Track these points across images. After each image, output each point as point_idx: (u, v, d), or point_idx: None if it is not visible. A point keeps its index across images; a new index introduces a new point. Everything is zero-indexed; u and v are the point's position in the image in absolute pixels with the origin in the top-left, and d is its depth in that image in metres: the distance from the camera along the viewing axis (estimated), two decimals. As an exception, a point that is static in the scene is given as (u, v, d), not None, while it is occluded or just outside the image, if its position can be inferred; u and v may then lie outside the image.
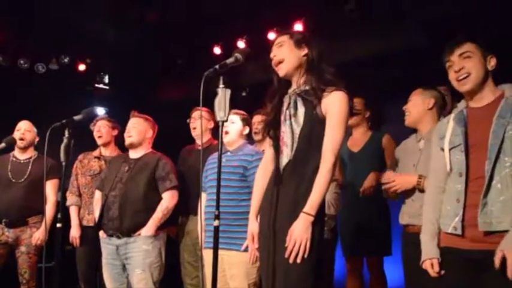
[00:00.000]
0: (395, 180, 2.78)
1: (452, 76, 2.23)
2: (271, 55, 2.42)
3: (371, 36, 4.90)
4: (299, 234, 2.18)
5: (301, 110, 2.33)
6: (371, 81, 4.88)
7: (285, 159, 2.34)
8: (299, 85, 2.39)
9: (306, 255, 2.18)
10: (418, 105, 2.87)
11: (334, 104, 2.27)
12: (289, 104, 2.37)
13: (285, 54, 2.38)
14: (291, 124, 2.34)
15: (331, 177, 2.25)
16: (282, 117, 2.39)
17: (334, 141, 2.25)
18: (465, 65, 2.18)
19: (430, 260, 2.22)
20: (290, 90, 2.42)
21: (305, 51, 2.39)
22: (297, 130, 2.32)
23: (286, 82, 2.45)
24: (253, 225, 2.51)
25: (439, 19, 4.33)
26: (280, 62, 2.39)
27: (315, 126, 2.30)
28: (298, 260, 2.18)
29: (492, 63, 2.19)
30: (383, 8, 4.69)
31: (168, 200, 3.52)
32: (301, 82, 2.39)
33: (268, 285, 2.32)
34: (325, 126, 2.28)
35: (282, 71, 2.40)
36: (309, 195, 2.22)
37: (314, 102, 2.31)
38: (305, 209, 2.20)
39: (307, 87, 2.37)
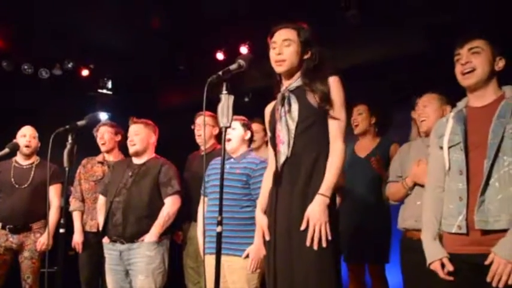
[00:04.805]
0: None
1: (457, 69, 2.20)
2: (276, 51, 2.39)
3: (374, 41, 4.90)
4: (318, 218, 2.15)
5: (294, 106, 2.34)
6: (374, 87, 4.87)
7: (282, 157, 2.35)
8: (292, 82, 2.41)
9: (328, 238, 2.16)
10: (436, 112, 2.82)
11: (332, 90, 2.30)
12: (283, 101, 2.38)
13: (289, 56, 2.38)
14: (286, 121, 2.34)
15: (344, 158, 2.27)
16: (277, 115, 2.40)
17: (341, 124, 2.30)
18: (472, 59, 2.16)
19: (439, 260, 2.13)
20: (283, 88, 2.43)
21: (308, 55, 2.41)
22: (293, 126, 2.33)
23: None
24: (260, 218, 2.47)
25: (442, 24, 4.33)
26: (282, 61, 2.39)
27: (310, 118, 2.31)
28: (324, 244, 2.15)
29: (500, 64, 2.17)
30: (385, 13, 4.69)
31: (170, 205, 3.52)
32: (294, 79, 2.41)
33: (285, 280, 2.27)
34: (320, 114, 2.29)
35: (281, 68, 2.40)
36: (311, 187, 2.23)
37: (306, 93, 2.33)
38: (321, 191, 2.19)
39: (299, 84, 2.38)
